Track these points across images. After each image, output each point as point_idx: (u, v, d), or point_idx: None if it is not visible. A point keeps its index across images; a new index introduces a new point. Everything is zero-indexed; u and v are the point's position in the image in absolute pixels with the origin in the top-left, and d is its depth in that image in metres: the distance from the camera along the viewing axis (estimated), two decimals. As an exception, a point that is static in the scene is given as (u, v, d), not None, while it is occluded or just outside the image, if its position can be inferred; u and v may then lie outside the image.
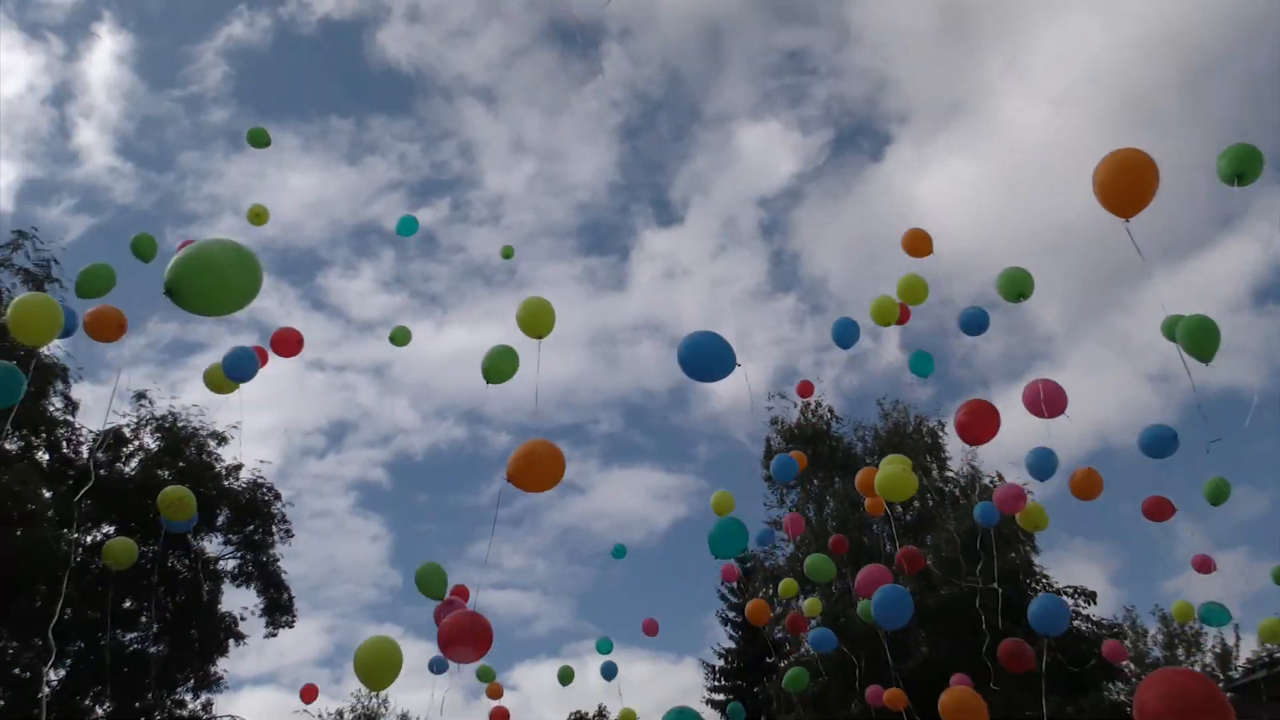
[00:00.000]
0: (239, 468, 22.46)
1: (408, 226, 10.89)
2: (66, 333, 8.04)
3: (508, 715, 13.98)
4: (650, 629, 14.76)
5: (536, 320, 7.42)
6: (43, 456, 19.70)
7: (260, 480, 22.75)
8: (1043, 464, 9.36)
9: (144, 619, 20.63)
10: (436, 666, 12.30)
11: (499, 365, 7.45)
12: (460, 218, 53.27)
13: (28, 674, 18.42)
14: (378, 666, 6.38)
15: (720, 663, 29.03)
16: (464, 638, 6.22)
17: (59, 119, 42.60)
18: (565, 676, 14.70)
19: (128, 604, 20.43)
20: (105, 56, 45.17)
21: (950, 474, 27.29)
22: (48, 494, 17.94)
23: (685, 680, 42.67)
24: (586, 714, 32.77)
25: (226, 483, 22.08)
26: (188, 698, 20.85)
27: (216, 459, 21.96)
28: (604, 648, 15.15)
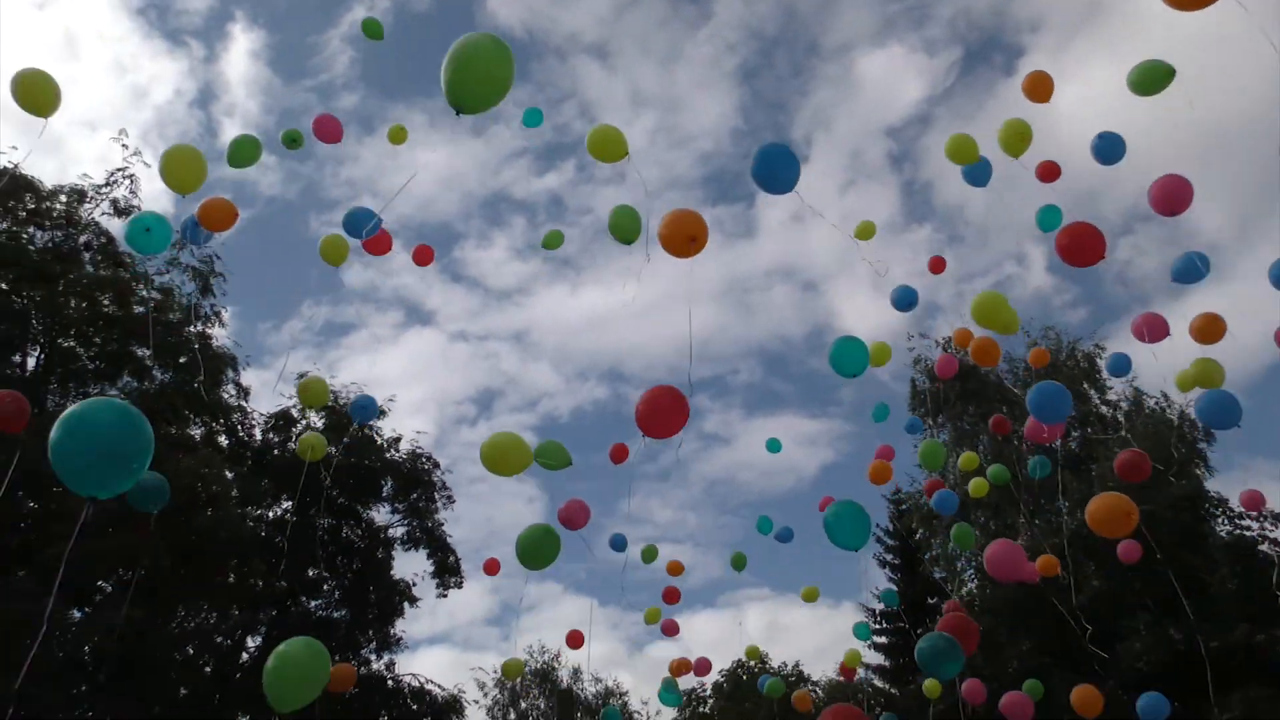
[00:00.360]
0: (398, 440, 23.56)
1: (533, 118, 10.85)
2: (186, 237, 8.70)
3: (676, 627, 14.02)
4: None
5: (608, 143, 7.71)
6: (223, 441, 21.18)
7: (419, 450, 23.82)
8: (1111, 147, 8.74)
9: (326, 587, 22.01)
10: (618, 543, 12.64)
11: (624, 224, 7.60)
12: (586, 179, 53.69)
13: (228, 642, 20.01)
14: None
15: (880, 606, 28.73)
16: (664, 403, 6.30)
17: (205, 120, 45.09)
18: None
19: (310, 573, 21.84)
20: (241, 55, 47.38)
21: (1111, 398, 25.90)
22: (230, 475, 19.28)
23: (845, 625, 42.47)
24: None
25: (388, 455, 23.20)
26: (372, 658, 22.17)
27: (378, 433, 23.07)
28: (764, 527, 14.14)
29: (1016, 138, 9.22)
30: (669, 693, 14.48)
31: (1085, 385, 25.75)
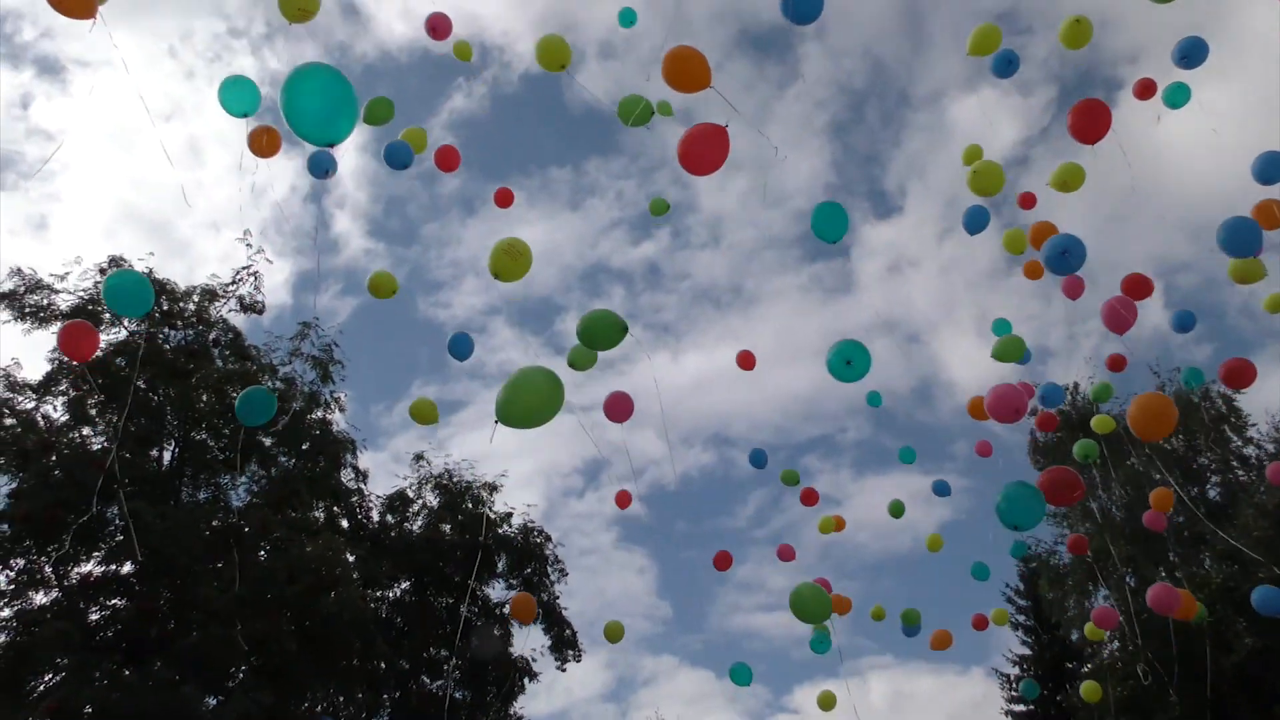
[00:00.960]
0: (510, 515, 23.85)
1: (628, 17, 11.03)
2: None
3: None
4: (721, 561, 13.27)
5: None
6: (343, 524, 21.80)
7: (530, 524, 24.03)
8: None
9: (445, 666, 22.20)
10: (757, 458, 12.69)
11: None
12: (682, 245, 54.17)
13: (356, 722, 20.30)
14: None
15: (1015, 670, 27.31)
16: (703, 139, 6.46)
17: (319, 213, 47.58)
18: None
19: (430, 652, 22.07)
20: (351, 148, 49.95)
21: (1254, 438, 24.35)
22: (350, 558, 19.79)
23: (974, 692, 40.46)
24: None
25: (501, 530, 23.48)
26: (494, 737, 22.15)
27: (490, 507, 23.42)
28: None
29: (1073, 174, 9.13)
30: None
31: (1226, 429, 24.34)
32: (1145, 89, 10.21)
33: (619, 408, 9.16)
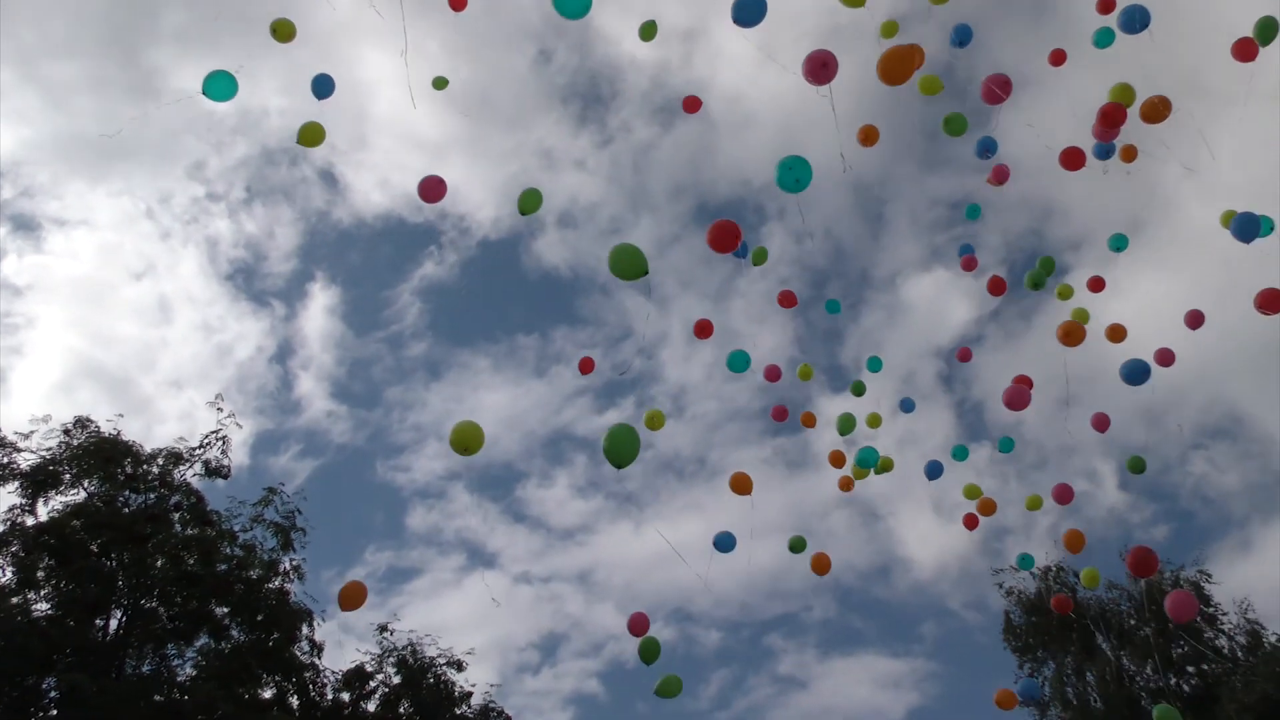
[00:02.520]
0: (469, 695, 22.83)
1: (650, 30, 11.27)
2: None
3: None
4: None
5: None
6: (293, 700, 20.75)
7: (491, 705, 22.97)
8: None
9: None
10: None
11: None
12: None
13: None
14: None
15: None
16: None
17: (283, 374, 47.71)
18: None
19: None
20: (319, 311, 50.72)
21: (1225, 629, 24.05)
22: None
23: None
24: None
25: (459, 710, 22.41)
26: None
27: (451, 686, 22.42)
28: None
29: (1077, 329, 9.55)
30: None
31: (1198, 619, 24.09)
32: (1096, 284, 10.82)
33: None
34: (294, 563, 20.43)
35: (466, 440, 8.10)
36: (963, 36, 10.17)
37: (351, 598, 8.72)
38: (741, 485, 11.54)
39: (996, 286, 11.93)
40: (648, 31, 10.76)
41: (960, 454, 12.51)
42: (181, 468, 19.22)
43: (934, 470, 12.03)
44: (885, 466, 12.12)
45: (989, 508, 11.72)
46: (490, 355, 53.08)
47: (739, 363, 12.02)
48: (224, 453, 19.55)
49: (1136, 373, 9.52)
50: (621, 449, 7.56)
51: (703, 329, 11.86)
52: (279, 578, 19.98)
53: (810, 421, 13.42)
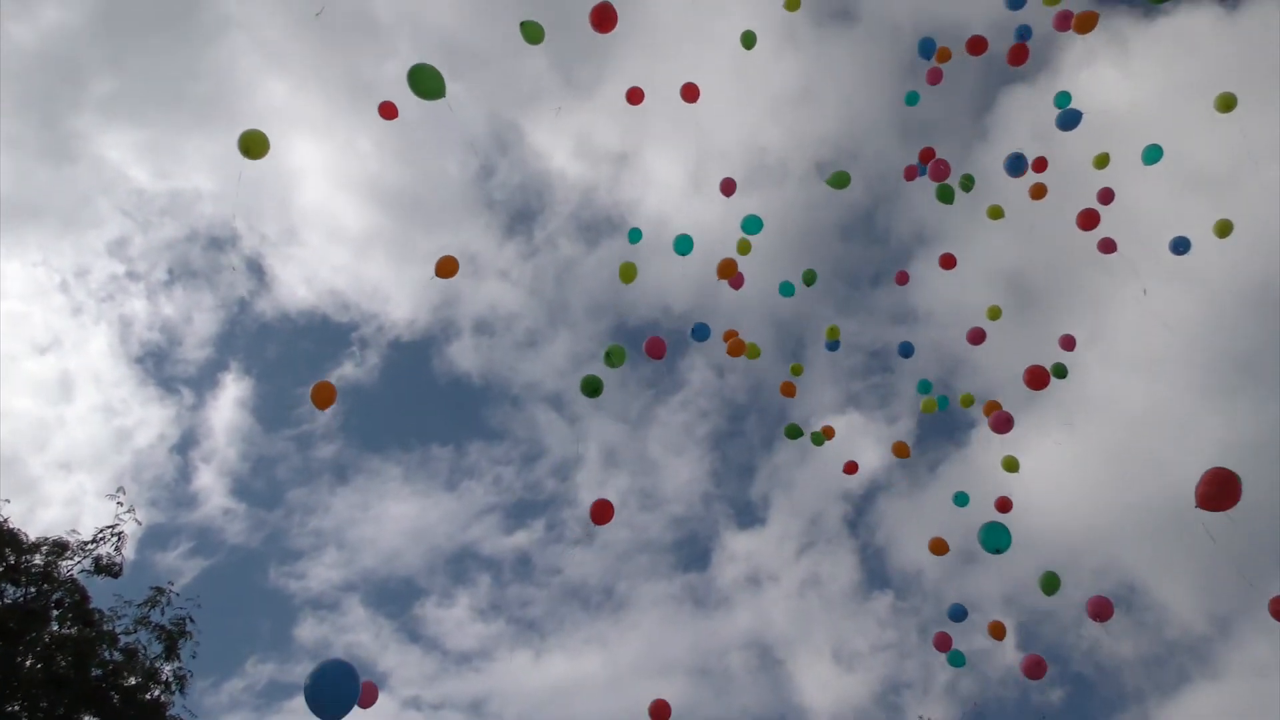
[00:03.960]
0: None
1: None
2: None
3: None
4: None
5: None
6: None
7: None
8: None
9: None
10: None
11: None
12: (555, 538, 53.70)
13: None
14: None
15: None
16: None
17: (182, 465, 45.89)
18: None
19: None
20: (228, 402, 49.23)
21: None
22: None
23: None
24: None
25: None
26: None
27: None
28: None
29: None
30: None
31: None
32: (1002, 422, 11.39)
33: None
34: (177, 672, 19.33)
35: (250, 145, 8.35)
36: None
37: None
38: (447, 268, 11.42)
39: (900, 450, 12.65)
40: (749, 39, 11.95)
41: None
42: (68, 561, 18.27)
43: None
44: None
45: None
46: (402, 464, 51.96)
47: (684, 245, 12.46)
48: (118, 549, 18.69)
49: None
50: (424, 82, 7.97)
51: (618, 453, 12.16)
52: (159, 687, 18.82)
53: (790, 392, 14.01)
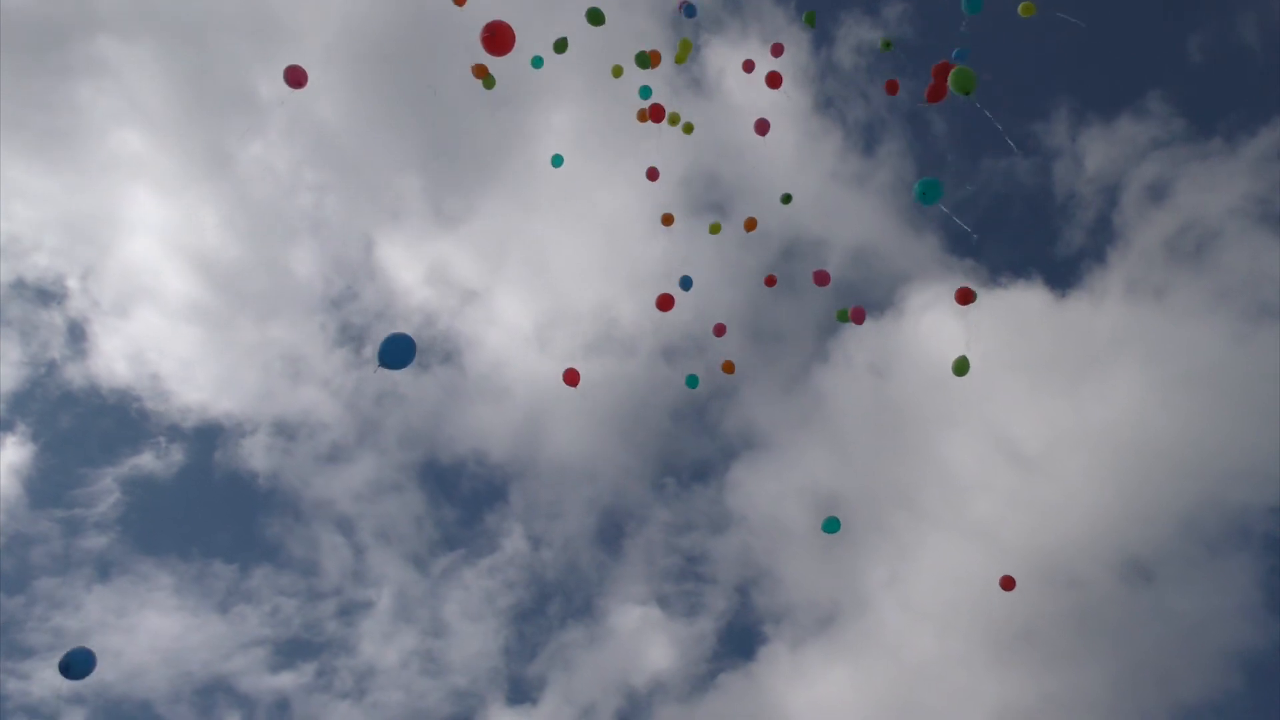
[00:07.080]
0: None
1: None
2: None
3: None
4: None
5: None
6: None
7: None
8: None
9: None
10: None
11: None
12: (323, 686, 49.37)
13: None
14: None
15: None
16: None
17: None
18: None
19: None
20: (2, 467, 44.18)
21: None
22: None
23: None
24: None
25: None
26: None
27: None
28: None
29: None
30: None
31: None
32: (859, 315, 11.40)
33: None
34: None
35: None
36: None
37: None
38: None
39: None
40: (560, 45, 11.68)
41: None
42: None
43: None
44: None
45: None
46: (177, 573, 46.97)
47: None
48: None
49: None
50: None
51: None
52: None
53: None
